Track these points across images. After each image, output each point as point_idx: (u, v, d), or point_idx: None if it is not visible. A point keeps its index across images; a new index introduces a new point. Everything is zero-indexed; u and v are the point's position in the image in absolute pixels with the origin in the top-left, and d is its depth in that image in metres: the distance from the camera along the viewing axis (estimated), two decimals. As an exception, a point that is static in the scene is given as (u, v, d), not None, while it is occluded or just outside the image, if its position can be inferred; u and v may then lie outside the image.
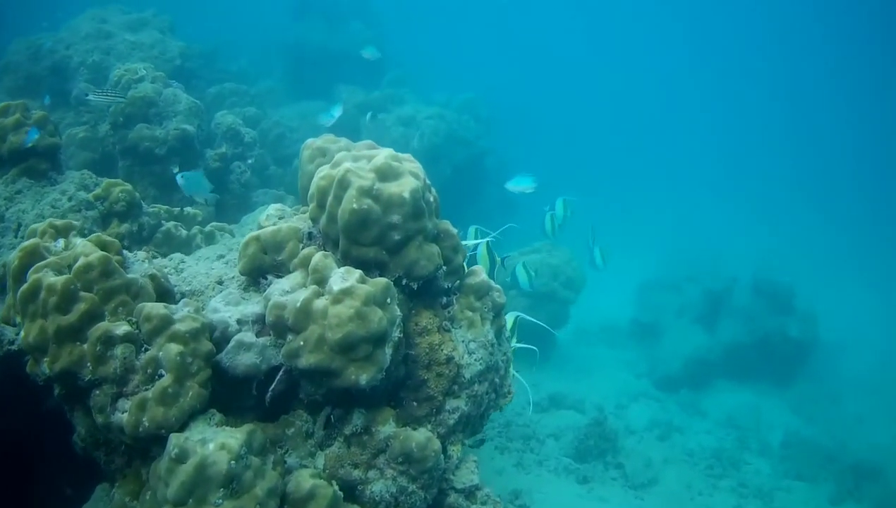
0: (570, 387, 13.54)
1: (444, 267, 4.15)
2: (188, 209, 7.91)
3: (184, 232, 7.20)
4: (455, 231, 4.29)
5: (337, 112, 10.95)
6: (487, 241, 6.42)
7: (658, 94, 44.59)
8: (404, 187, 3.78)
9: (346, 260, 3.86)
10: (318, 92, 18.79)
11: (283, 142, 14.01)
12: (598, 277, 14.65)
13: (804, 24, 46.28)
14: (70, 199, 6.35)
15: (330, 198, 3.83)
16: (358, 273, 3.64)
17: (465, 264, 4.44)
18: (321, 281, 3.69)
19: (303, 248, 3.99)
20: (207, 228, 7.50)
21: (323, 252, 3.84)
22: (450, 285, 4.31)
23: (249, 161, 10.81)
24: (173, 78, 11.88)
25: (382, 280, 3.70)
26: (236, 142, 10.71)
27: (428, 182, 4.11)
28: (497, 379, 4.55)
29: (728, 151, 36.23)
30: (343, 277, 3.61)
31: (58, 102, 12.15)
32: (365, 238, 3.78)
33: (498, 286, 4.54)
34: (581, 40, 50.62)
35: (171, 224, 7.12)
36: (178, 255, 5.17)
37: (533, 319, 5.74)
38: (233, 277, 4.28)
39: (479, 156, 17.34)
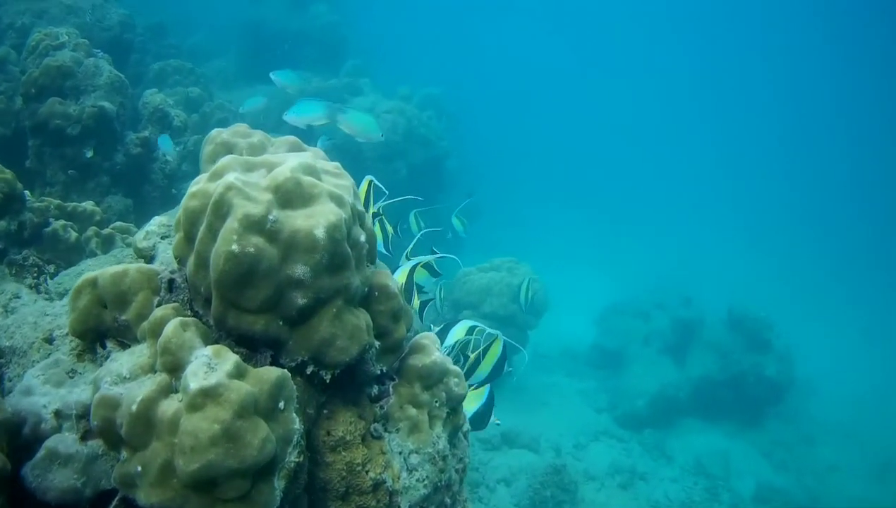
0: (524, 421, 12.28)
1: (377, 345, 2.74)
2: (86, 204, 6.54)
3: (74, 234, 5.85)
4: (396, 288, 2.87)
5: (258, 102, 9.51)
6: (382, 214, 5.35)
7: (640, 106, 43.35)
8: (318, 220, 2.38)
9: (221, 330, 2.46)
10: (273, 76, 17.60)
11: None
12: (561, 295, 13.59)
13: (793, 50, 45.64)
14: (-65, 189, 5.14)
15: (201, 230, 2.42)
16: (233, 359, 2.23)
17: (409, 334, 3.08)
18: (175, 368, 2.27)
19: (159, 304, 2.61)
20: (106, 230, 6.13)
21: (181, 319, 2.38)
22: (385, 369, 2.93)
23: (178, 148, 9.43)
24: (110, 49, 10.84)
25: (272, 373, 2.27)
26: (164, 125, 9.36)
27: (360, 208, 2.74)
28: (447, 500, 3.16)
29: (711, 174, 35.13)
30: (208, 364, 2.20)
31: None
32: (250, 299, 2.36)
33: (457, 369, 3.13)
34: (558, 45, 49.27)
35: (59, 223, 5.79)
36: (11, 286, 3.78)
37: (512, 342, 4.83)
38: (67, 334, 2.88)
39: (439, 158, 15.92)
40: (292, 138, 3.35)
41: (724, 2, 47.31)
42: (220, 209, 2.35)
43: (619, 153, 35.35)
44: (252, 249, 2.29)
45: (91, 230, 6.09)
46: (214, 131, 3.41)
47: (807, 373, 16.23)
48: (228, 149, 3.27)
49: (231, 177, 2.39)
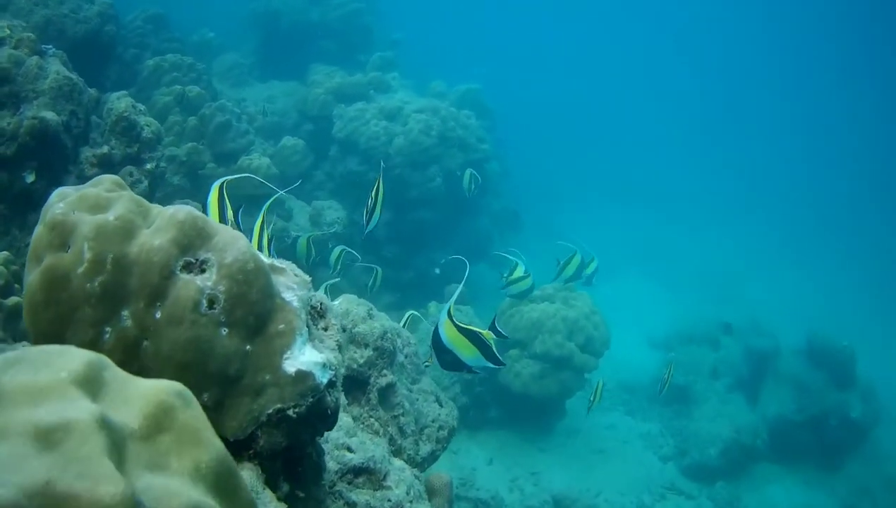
0: (579, 478, 10.51)
1: None
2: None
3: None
4: None
5: None
6: None
7: (702, 99, 40.73)
8: None
9: None
10: (291, 71, 16.28)
11: (228, 134, 11.30)
12: (614, 314, 11.80)
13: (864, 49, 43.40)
14: None
15: None
16: None
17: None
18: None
19: None
20: (11, 300, 4.46)
21: None
22: None
23: (148, 165, 7.43)
24: (89, 45, 10.33)
25: None
26: (130, 137, 7.35)
27: None
28: None
29: (783, 185, 32.33)
30: None
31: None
32: None
33: None
34: (613, 36, 46.64)
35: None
36: None
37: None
38: None
39: (480, 162, 13.85)
40: (185, 213, 1.63)
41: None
42: None
43: (675, 155, 32.72)
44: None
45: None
46: (55, 194, 1.95)
47: (885, 403, 14.28)
48: (62, 236, 1.76)
49: None
